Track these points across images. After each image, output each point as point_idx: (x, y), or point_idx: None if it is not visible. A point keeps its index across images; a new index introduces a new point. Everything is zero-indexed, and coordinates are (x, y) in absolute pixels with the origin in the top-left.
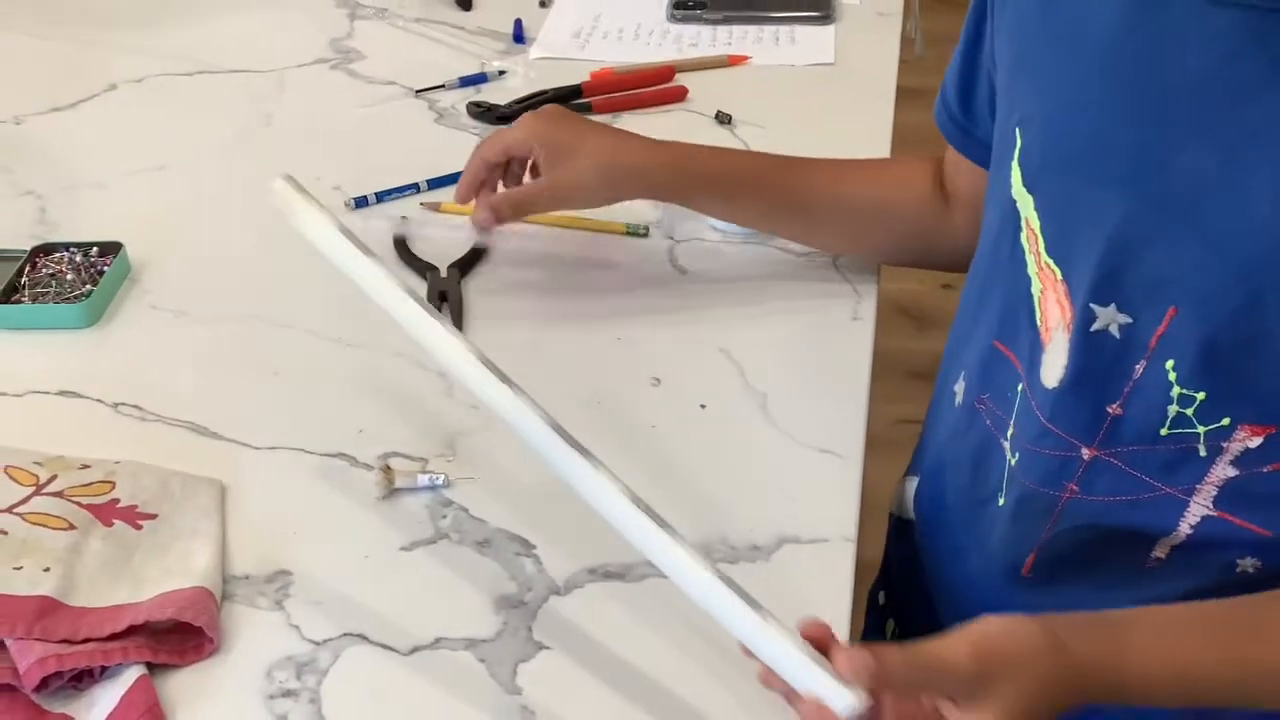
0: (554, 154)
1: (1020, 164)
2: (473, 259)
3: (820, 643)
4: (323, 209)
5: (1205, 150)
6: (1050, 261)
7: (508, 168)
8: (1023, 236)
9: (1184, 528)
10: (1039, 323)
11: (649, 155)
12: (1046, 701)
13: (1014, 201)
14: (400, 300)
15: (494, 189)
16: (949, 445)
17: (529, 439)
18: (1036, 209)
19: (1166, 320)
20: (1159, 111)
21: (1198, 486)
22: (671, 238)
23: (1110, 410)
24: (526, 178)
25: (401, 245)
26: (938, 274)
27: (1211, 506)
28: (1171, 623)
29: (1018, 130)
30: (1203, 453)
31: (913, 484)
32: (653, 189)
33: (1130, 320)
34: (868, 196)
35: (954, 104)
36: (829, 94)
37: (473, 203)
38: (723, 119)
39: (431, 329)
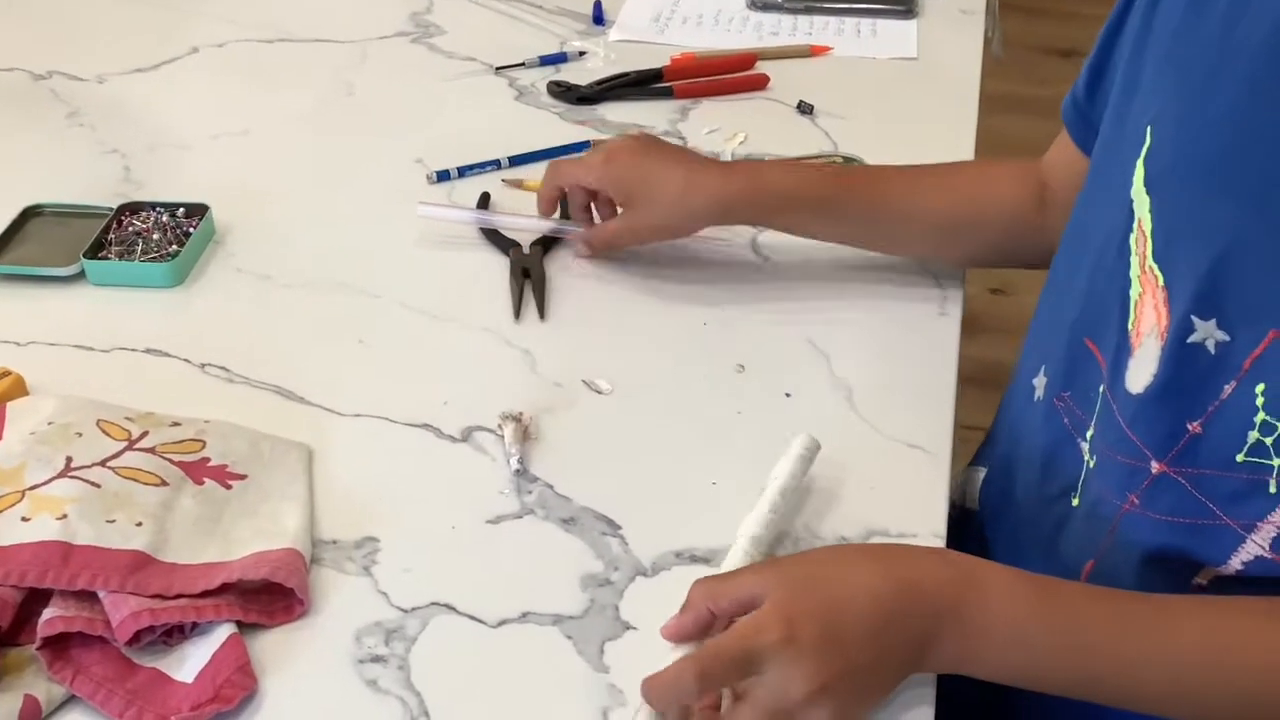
0: (626, 197)
1: (1146, 163)
2: (555, 236)
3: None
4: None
5: None
6: (1155, 266)
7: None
8: (1132, 237)
9: (1235, 563)
10: (1131, 326)
11: (722, 185)
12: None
13: (1131, 201)
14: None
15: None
16: (1023, 440)
17: None
18: (1151, 210)
19: (1265, 343)
20: None
21: (1259, 524)
22: (753, 224)
23: (1190, 427)
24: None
25: (484, 220)
26: (987, 279)
27: (1267, 549)
28: (1083, 591)
29: (1149, 128)
30: (1273, 489)
31: (979, 473)
32: (730, 216)
33: (1228, 338)
34: (948, 207)
35: (1082, 90)
36: (912, 89)
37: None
38: (804, 109)
39: None
